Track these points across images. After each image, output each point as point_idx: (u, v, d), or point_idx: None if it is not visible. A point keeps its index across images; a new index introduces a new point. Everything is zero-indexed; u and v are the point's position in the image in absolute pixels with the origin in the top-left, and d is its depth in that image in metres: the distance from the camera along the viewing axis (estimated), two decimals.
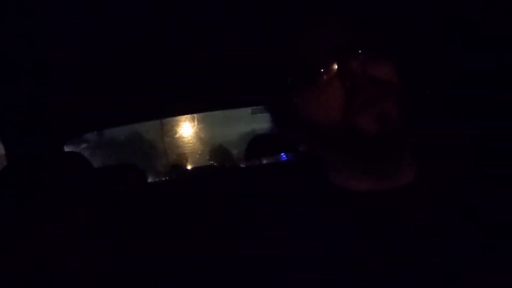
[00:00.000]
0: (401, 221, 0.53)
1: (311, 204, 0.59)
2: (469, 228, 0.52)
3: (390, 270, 0.50)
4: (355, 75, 0.52)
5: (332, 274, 0.52)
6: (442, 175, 0.57)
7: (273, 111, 0.64)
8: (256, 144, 2.26)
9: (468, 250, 0.51)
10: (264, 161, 2.47)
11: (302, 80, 0.55)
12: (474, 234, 0.52)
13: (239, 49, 1.06)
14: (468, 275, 0.50)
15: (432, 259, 0.51)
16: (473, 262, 0.50)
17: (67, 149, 1.83)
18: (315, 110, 0.55)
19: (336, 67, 0.53)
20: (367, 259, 0.52)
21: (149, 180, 2.32)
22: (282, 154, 2.42)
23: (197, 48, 1.18)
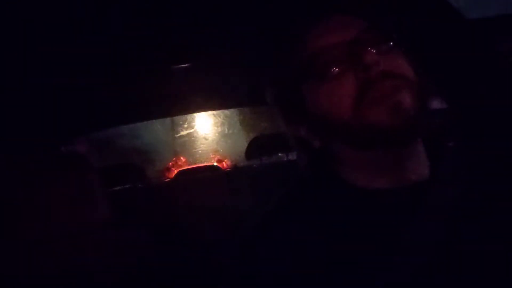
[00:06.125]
0: (416, 220, 0.52)
1: (324, 203, 0.57)
2: (487, 225, 0.51)
3: (407, 271, 0.49)
4: (369, 68, 0.51)
5: (346, 274, 0.50)
6: (457, 170, 0.56)
7: (283, 108, 0.63)
8: (258, 143, 2.26)
9: (487, 248, 0.49)
10: (270, 160, 2.44)
11: (314, 73, 0.54)
12: (493, 232, 0.50)
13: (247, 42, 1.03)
14: (489, 272, 0.48)
15: (451, 258, 0.49)
16: (494, 259, 0.49)
17: (67, 149, 1.82)
18: (327, 105, 0.54)
19: (349, 59, 0.52)
20: (382, 261, 0.50)
21: (149, 180, 2.32)
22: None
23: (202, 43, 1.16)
